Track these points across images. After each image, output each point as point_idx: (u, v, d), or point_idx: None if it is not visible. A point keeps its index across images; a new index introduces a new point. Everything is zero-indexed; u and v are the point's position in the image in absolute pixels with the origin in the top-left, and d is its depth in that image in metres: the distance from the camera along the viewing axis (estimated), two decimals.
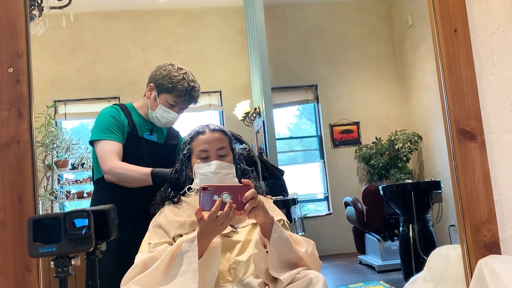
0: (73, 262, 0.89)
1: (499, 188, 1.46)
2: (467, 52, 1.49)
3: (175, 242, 1.44)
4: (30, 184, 1.26)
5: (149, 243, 1.47)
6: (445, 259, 1.57)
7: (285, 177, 3.43)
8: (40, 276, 1.24)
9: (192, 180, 1.60)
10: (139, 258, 1.43)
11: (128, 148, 1.89)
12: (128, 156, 1.87)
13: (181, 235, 1.46)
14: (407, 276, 4.10)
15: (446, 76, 1.48)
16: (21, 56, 1.29)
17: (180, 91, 1.90)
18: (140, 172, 1.78)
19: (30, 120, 1.28)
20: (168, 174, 1.71)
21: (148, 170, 1.77)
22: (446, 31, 1.49)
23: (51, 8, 3.74)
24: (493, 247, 1.43)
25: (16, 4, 1.31)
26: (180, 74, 1.92)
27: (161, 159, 1.92)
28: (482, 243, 1.43)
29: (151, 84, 1.96)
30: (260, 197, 1.36)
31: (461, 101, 1.47)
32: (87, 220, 0.90)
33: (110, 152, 1.82)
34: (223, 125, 6.72)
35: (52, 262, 0.88)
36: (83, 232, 0.89)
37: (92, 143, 1.90)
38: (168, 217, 1.52)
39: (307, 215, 6.67)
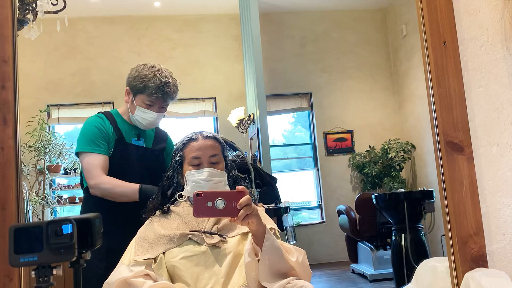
0: (54, 272, 0.88)
1: (486, 201, 1.46)
2: (455, 64, 1.49)
3: (164, 256, 1.43)
4: (13, 192, 1.25)
5: (132, 260, 1.45)
6: (433, 271, 1.56)
7: (278, 185, 3.42)
8: (21, 285, 1.23)
9: (183, 187, 1.59)
10: (118, 274, 1.42)
11: (117, 156, 1.88)
12: (116, 164, 1.86)
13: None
14: (399, 286, 4.10)
15: (435, 88, 1.48)
16: (7, 62, 1.28)
17: (151, 89, 1.86)
18: (126, 190, 1.78)
19: (15, 127, 1.26)
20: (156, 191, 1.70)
21: (136, 186, 1.76)
22: (435, 43, 1.50)
23: (46, 12, 3.73)
24: (480, 260, 1.43)
25: (2, 9, 1.29)
26: (152, 72, 1.87)
27: (150, 163, 1.91)
28: (469, 256, 1.43)
29: (127, 87, 1.94)
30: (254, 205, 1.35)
31: (449, 113, 1.48)
32: (70, 229, 0.88)
33: (96, 166, 1.81)
34: (217, 132, 6.71)
35: (33, 272, 0.87)
36: (66, 241, 0.88)
37: (77, 154, 1.90)
38: (156, 231, 1.51)
39: (300, 223, 6.66)
